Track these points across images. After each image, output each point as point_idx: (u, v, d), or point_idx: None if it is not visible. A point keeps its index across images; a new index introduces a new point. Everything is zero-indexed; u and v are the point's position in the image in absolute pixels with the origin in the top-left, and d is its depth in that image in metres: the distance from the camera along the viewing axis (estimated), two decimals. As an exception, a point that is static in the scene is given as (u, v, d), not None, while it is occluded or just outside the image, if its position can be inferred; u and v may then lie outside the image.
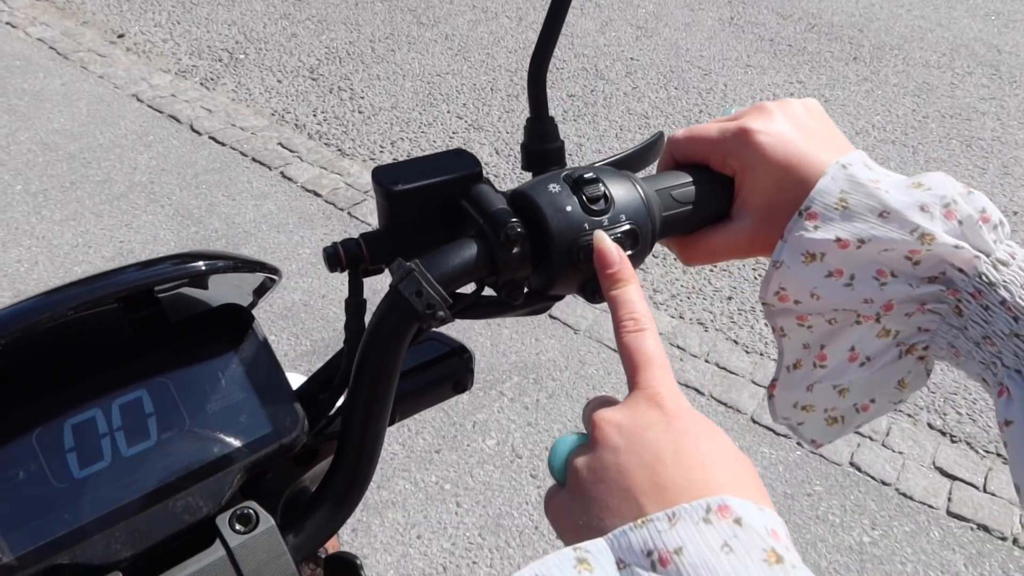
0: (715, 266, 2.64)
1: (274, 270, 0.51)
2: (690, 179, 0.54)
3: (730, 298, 2.52)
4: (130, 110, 3.24)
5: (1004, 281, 0.47)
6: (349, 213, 2.77)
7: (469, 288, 0.52)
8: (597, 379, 2.21)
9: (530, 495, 1.92)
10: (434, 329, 0.55)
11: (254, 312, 0.53)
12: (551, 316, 2.41)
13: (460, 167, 0.52)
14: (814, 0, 4.50)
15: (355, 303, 0.53)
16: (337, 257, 0.50)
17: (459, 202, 0.51)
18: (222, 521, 0.46)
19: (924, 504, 1.92)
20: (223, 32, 3.87)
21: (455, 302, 0.51)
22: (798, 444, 2.04)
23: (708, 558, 0.32)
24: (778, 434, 2.07)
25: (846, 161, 0.50)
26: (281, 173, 2.94)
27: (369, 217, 2.74)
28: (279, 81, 3.52)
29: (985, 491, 1.95)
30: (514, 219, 0.48)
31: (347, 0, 4.22)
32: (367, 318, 0.50)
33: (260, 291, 0.55)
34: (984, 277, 0.47)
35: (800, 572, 0.32)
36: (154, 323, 0.49)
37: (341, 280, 2.48)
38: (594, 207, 0.49)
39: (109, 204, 2.72)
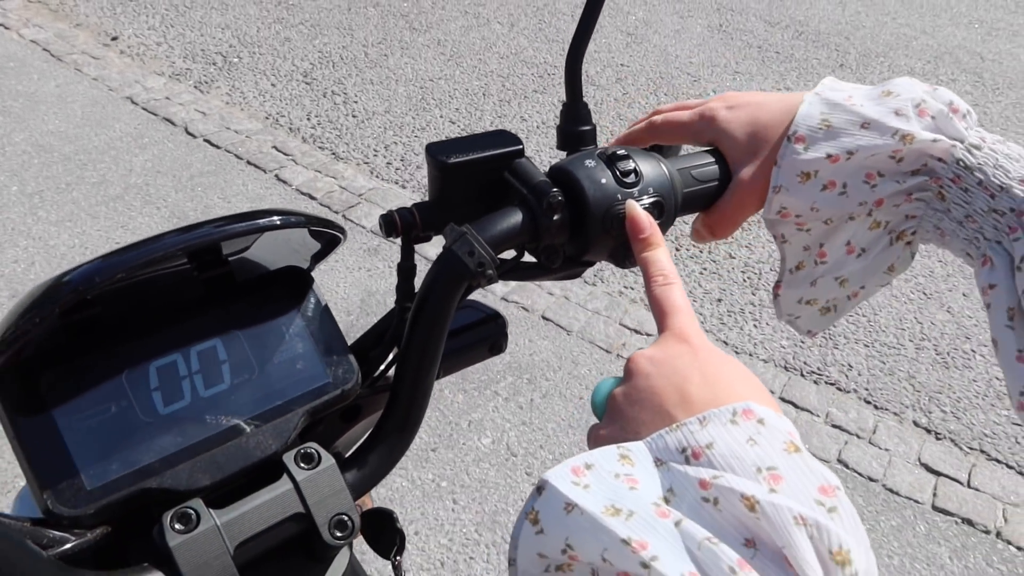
0: (704, 269, 2.69)
1: (341, 229, 0.55)
2: (705, 160, 0.59)
3: (719, 300, 2.56)
4: (125, 112, 3.25)
5: (979, 164, 0.52)
6: (344, 216, 2.79)
7: (507, 256, 0.55)
8: (590, 379, 2.24)
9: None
10: (469, 298, 0.58)
11: (312, 275, 0.57)
12: (544, 318, 2.44)
13: (504, 144, 0.56)
14: (802, 8, 4.57)
15: (406, 266, 0.58)
16: (393, 223, 0.55)
17: (503, 175, 0.56)
18: (288, 458, 0.50)
19: (910, 499, 1.96)
20: (217, 36, 3.90)
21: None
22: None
23: (736, 449, 0.36)
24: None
25: (818, 90, 0.56)
26: (276, 176, 2.97)
27: (363, 220, 2.77)
28: (273, 85, 3.54)
29: (969, 486, 1.99)
30: (555, 189, 0.52)
31: (340, 5, 4.25)
32: (416, 282, 0.54)
33: (317, 257, 0.58)
34: (961, 162, 0.52)
35: (815, 462, 0.36)
36: (223, 282, 0.53)
37: (336, 281, 2.50)
38: (626, 180, 0.53)
39: (105, 205, 2.73)
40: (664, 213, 0.54)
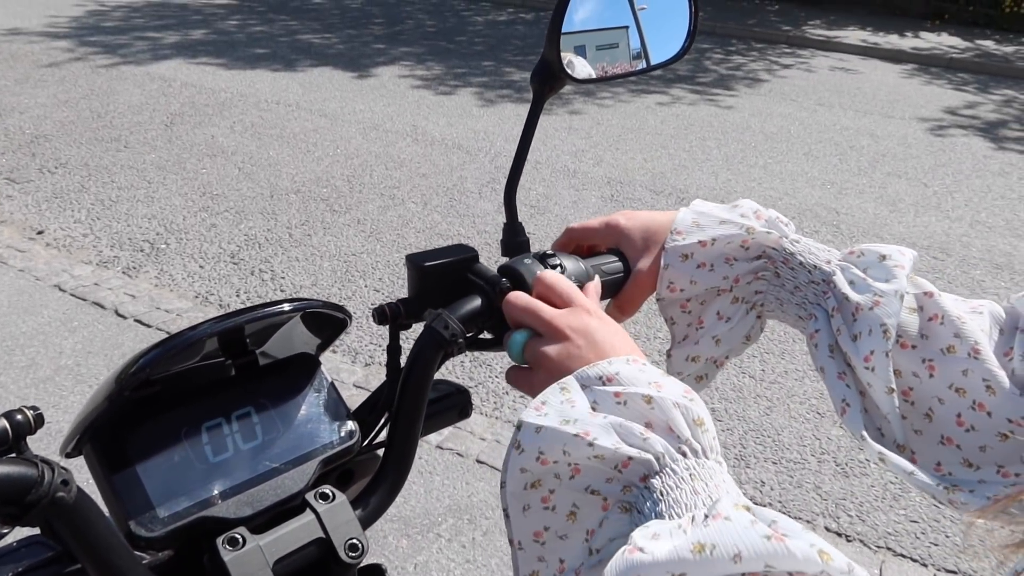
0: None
1: (347, 313, 0.70)
2: (611, 259, 0.80)
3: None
4: (52, 299, 3.33)
5: (799, 251, 0.75)
6: (276, 382, 2.89)
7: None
8: (526, 516, 2.34)
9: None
10: (441, 378, 0.75)
11: (320, 359, 0.72)
12: (478, 461, 2.56)
13: (464, 252, 0.76)
14: (681, 178, 5.17)
15: (394, 347, 0.74)
16: (384, 313, 0.72)
17: (464, 275, 0.74)
18: (310, 496, 0.64)
19: (831, 600, 2.10)
20: (143, 225, 4.08)
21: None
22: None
23: (633, 374, 0.57)
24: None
25: (690, 205, 0.80)
26: (207, 350, 3.06)
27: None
28: (201, 267, 3.71)
29: (881, 582, 2.16)
30: (504, 279, 0.72)
31: (262, 194, 4.54)
32: (401, 359, 0.70)
33: (324, 345, 0.74)
34: (787, 250, 0.76)
35: (680, 381, 0.57)
36: (250, 368, 0.68)
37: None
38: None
39: (35, 387, 2.75)
40: None
